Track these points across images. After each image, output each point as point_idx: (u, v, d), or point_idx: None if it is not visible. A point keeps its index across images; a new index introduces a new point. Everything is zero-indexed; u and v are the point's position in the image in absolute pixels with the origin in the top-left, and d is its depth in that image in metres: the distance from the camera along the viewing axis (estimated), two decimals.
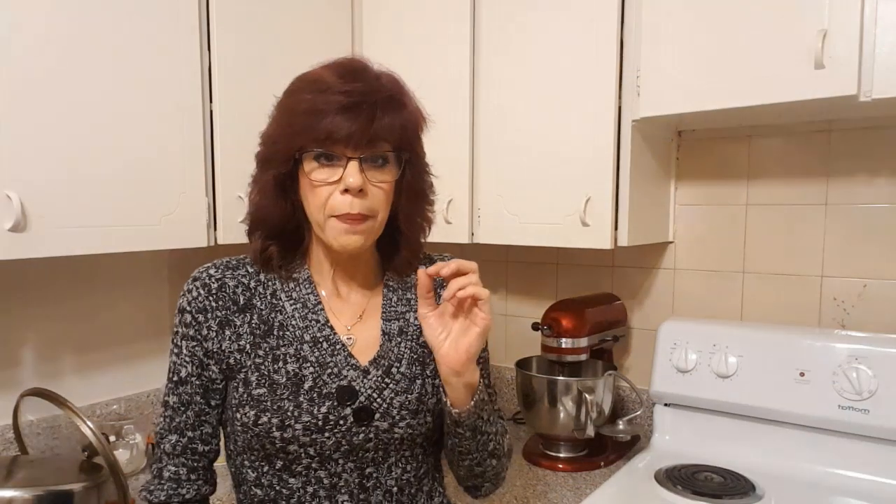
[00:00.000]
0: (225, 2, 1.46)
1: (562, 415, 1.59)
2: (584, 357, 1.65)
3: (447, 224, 1.69)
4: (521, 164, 1.60)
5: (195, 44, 1.42)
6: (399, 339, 0.93)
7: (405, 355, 0.92)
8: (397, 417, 0.88)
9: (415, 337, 0.94)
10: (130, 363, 1.70)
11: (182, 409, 0.91)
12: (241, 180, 1.50)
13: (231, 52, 1.48)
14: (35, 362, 1.52)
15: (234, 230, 1.50)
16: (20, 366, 1.49)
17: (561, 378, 1.61)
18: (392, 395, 0.88)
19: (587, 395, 1.56)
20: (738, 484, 1.38)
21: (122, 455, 1.50)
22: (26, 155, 1.16)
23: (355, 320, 0.93)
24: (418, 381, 0.91)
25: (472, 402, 0.87)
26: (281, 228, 0.91)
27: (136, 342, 1.72)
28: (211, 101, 1.46)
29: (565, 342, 1.61)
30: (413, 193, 0.91)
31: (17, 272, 1.48)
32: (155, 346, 1.76)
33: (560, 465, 1.59)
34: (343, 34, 1.79)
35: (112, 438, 1.51)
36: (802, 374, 1.44)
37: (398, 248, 0.95)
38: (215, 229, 1.48)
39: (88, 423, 1.23)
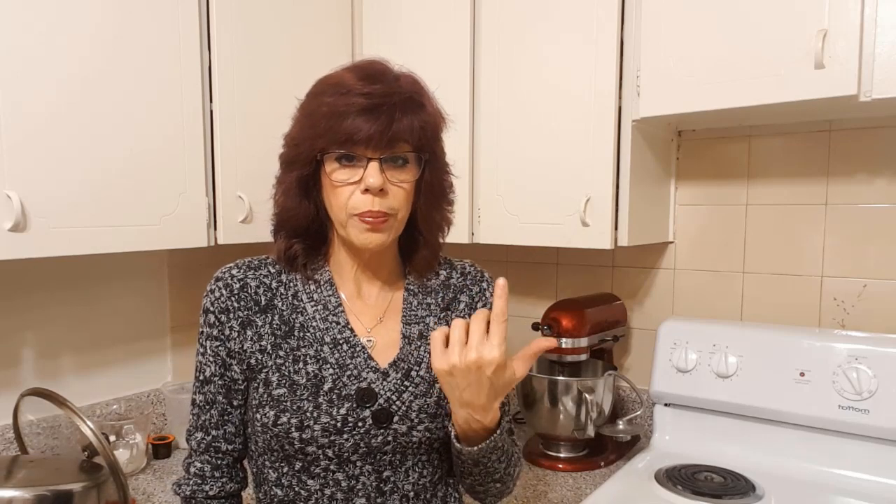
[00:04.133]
0: (225, 2, 1.46)
1: (562, 415, 1.59)
2: (584, 357, 1.65)
3: None
4: (521, 164, 1.60)
5: (195, 44, 1.42)
6: (419, 343, 0.93)
7: (425, 359, 0.92)
8: (416, 420, 0.88)
9: None
10: (130, 363, 1.70)
11: (207, 407, 0.92)
12: (241, 180, 1.52)
13: (231, 52, 1.48)
14: (35, 362, 1.52)
15: (234, 230, 1.51)
16: (20, 366, 1.49)
17: (561, 378, 1.61)
18: (411, 398, 0.89)
19: (587, 395, 1.56)
20: (738, 484, 1.38)
21: (122, 455, 1.50)
22: (26, 155, 1.16)
23: (375, 322, 0.94)
24: (437, 386, 0.91)
25: (478, 447, 0.86)
26: (305, 228, 0.92)
27: (136, 342, 1.72)
28: (211, 101, 1.46)
29: (565, 342, 1.61)
30: (432, 193, 0.92)
31: (17, 272, 1.48)
32: (155, 346, 1.76)
33: (560, 465, 1.59)
34: (343, 34, 1.79)
35: (112, 438, 1.51)
36: (802, 374, 1.44)
37: (418, 248, 0.96)
38: (215, 229, 1.48)
39: (88, 423, 1.23)
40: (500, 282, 0.80)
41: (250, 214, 1.52)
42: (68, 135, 1.22)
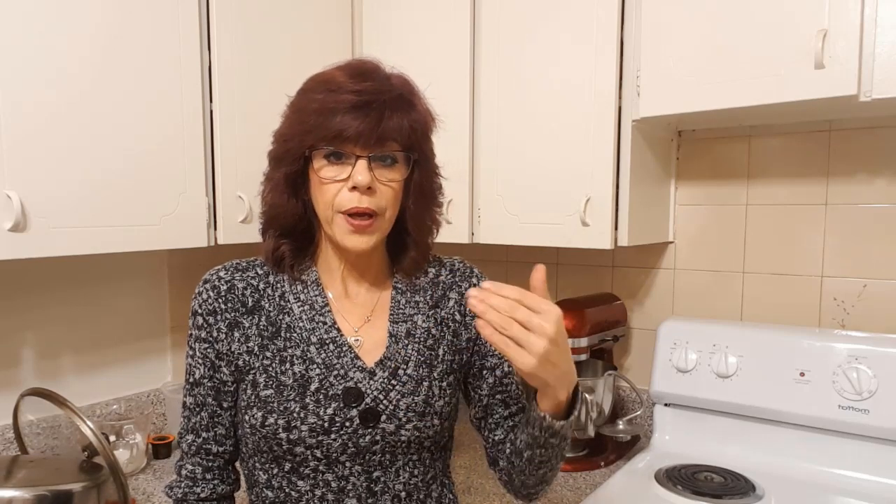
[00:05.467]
0: (225, 2, 1.46)
1: None
2: (584, 357, 1.64)
3: (447, 224, 1.69)
4: (521, 164, 1.60)
5: (195, 44, 1.42)
6: (406, 342, 0.93)
7: (412, 357, 0.92)
8: (404, 419, 0.88)
9: (422, 339, 0.94)
10: (130, 363, 1.70)
11: (197, 410, 0.92)
12: (241, 180, 1.52)
13: (231, 52, 1.48)
14: (35, 362, 1.52)
15: (234, 230, 1.51)
16: (20, 366, 1.49)
17: None
18: (398, 396, 0.88)
19: (587, 396, 1.56)
20: (738, 484, 1.38)
21: (122, 455, 1.50)
22: (26, 155, 1.16)
23: (363, 321, 0.93)
24: (425, 384, 0.91)
25: (574, 414, 0.84)
26: (292, 227, 0.92)
27: (136, 342, 1.72)
28: (211, 101, 1.46)
29: None
30: (421, 194, 0.92)
31: (17, 272, 1.48)
32: (155, 346, 1.76)
33: (560, 465, 1.59)
34: (343, 34, 1.79)
35: (112, 438, 1.51)
36: (802, 374, 1.44)
37: (407, 249, 0.96)
38: (215, 229, 1.48)
39: (88, 423, 1.23)
40: (487, 284, 0.78)
41: (250, 214, 1.52)
42: (68, 135, 1.22)
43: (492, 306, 0.75)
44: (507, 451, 0.95)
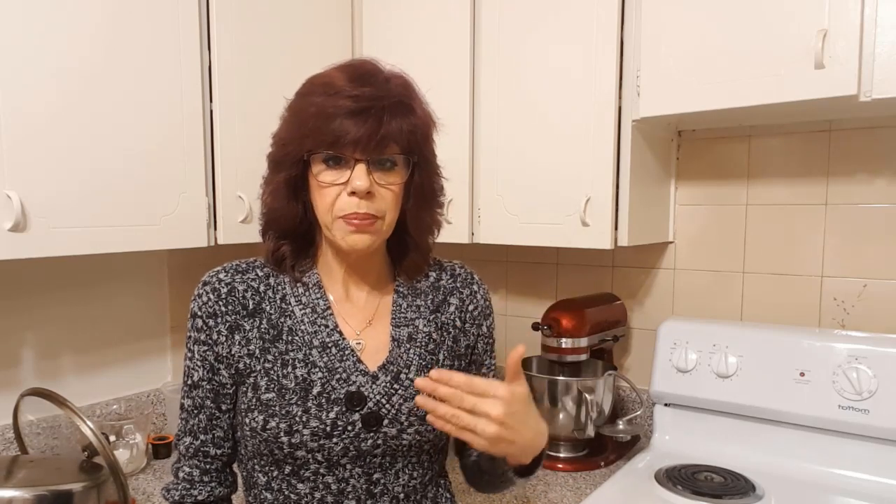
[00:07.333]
0: (225, 2, 1.46)
1: (562, 415, 1.59)
2: (584, 357, 1.65)
3: (447, 224, 1.68)
4: (521, 164, 1.60)
5: (195, 44, 1.42)
6: (408, 346, 0.93)
7: (414, 362, 0.92)
8: (406, 423, 0.88)
9: (423, 344, 0.94)
10: (130, 363, 1.70)
11: (195, 412, 0.92)
12: (241, 180, 1.52)
13: (231, 52, 1.48)
14: (35, 362, 1.52)
15: (234, 230, 1.51)
16: (20, 366, 1.49)
17: (561, 378, 1.61)
18: (401, 401, 0.88)
19: (587, 395, 1.56)
20: (738, 484, 1.38)
21: (122, 455, 1.50)
22: (26, 155, 1.16)
23: (365, 325, 0.93)
24: None
25: (535, 473, 0.89)
26: (293, 229, 0.92)
27: (136, 342, 1.72)
28: (211, 101, 1.46)
29: (565, 342, 1.61)
30: (421, 196, 0.91)
31: (17, 272, 1.48)
32: (155, 346, 1.76)
33: (560, 465, 1.59)
34: (343, 34, 1.79)
35: (112, 438, 1.51)
36: (802, 374, 1.44)
37: (408, 250, 0.95)
38: (215, 229, 1.48)
39: (88, 423, 1.23)
40: (434, 374, 0.78)
41: (250, 214, 1.52)
42: (68, 135, 1.22)
43: (440, 397, 0.77)
44: (473, 456, 1.00)
